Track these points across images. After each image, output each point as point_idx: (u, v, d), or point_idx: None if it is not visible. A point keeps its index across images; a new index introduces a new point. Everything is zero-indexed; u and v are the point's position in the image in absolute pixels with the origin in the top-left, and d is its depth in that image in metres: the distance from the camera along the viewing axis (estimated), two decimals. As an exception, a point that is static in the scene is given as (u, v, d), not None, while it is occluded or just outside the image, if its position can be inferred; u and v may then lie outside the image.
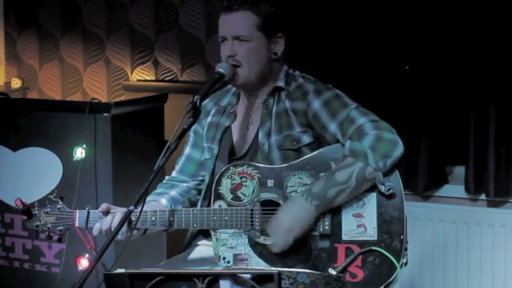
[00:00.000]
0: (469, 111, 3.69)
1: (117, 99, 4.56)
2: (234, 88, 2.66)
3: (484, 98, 3.63)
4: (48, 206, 2.53)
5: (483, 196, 3.72)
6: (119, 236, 2.37)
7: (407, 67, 3.79)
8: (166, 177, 2.73)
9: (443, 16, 3.67)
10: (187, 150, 2.72)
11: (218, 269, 2.37)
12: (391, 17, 3.74)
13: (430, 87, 3.73)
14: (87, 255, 3.51)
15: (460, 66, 3.74)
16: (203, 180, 2.66)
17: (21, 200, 2.53)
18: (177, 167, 2.72)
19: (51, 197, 2.54)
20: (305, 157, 2.44)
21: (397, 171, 2.39)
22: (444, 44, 3.70)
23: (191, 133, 2.70)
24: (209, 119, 2.66)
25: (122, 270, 1.95)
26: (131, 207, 2.22)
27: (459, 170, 3.85)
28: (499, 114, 3.61)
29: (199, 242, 2.66)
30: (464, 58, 3.70)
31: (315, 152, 2.45)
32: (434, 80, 3.73)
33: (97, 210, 2.50)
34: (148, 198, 2.58)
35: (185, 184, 2.69)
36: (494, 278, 3.64)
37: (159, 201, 2.61)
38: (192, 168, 2.69)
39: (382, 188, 2.34)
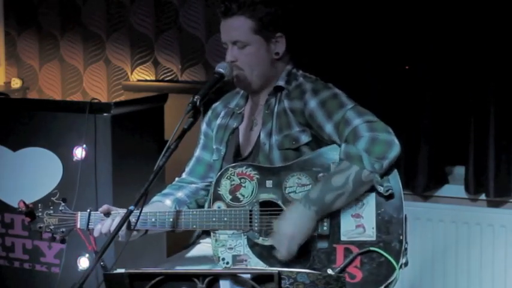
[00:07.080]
0: (469, 111, 3.69)
1: (117, 99, 4.56)
2: (243, 90, 2.67)
3: (484, 98, 3.63)
4: (51, 207, 2.54)
5: (483, 196, 3.71)
6: (120, 237, 2.37)
7: (407, 67, 3.79)
8: (176, 178, 2.73)
9: (444, 16, 3.67)
10: (197, 152, 2.73)
11: (218, 269, 2.37)
12: (391, 16, 3.73)
13: (430, 87, 3.73)
14: (87, 255, 3.51)
15: (460, 66, 3.74)
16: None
17: (24, 202, 2.54)
18: (187, 169, 2.73)
19: (54, 199, 2.55)
20: (304, 157, 2.44)
21: (396, 171, 2.37)
22: (444, 44, 3.69)
23: (201, 135, 2.72)
24: (218, 121, 2.67)
25: (122, 270, 1.95)
26: (131, 208, 2.23)
27: (459, 170, 3.84)
28: (499, 114, 3.61)
29: (201, 240, 2.66)
30: (465, 58, 3.70)
31: (313, 152, 2.44)
32: (434, 80, 3.73)
33: (98, 212, 2.51)
34: (154, 198, 2.62)
35: (194, 185, 2.69)
36: (494, 278, 3.64)
37: (163, 202, 2.61)
38: (202, 169, 2.70)
39: (381, 189, 2.33)
